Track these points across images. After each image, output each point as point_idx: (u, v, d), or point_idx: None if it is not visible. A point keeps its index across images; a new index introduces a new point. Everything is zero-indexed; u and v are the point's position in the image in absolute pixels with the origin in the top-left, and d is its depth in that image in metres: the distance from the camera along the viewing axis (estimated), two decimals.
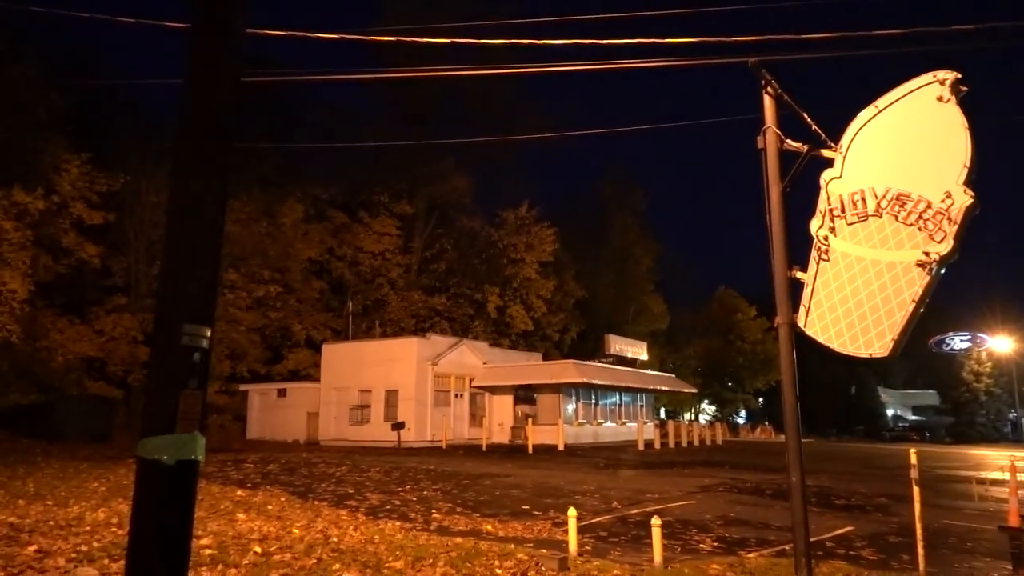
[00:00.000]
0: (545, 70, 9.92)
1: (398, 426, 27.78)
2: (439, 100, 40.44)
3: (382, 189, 40.38)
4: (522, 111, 41.87)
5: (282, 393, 34.30)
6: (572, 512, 7.91)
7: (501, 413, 32.83)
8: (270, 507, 10.72)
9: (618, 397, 36.34)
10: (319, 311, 38.67)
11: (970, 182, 5.40)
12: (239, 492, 12.50)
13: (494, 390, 32.92)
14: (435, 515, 10.69)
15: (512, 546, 7.96)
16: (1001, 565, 8.19)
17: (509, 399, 32.83)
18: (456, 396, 31.65)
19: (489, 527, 9.69)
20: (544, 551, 7.65)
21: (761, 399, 63.94)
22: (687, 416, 58.27)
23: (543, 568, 6.80)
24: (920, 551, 7.30)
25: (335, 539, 8.18)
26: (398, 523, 9.71)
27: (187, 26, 3.15)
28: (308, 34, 9.46)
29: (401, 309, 40.11)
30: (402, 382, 29.66)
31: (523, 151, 44.86)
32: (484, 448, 27.40)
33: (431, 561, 7.00)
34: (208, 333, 2.77)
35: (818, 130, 6.39)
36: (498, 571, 6.71)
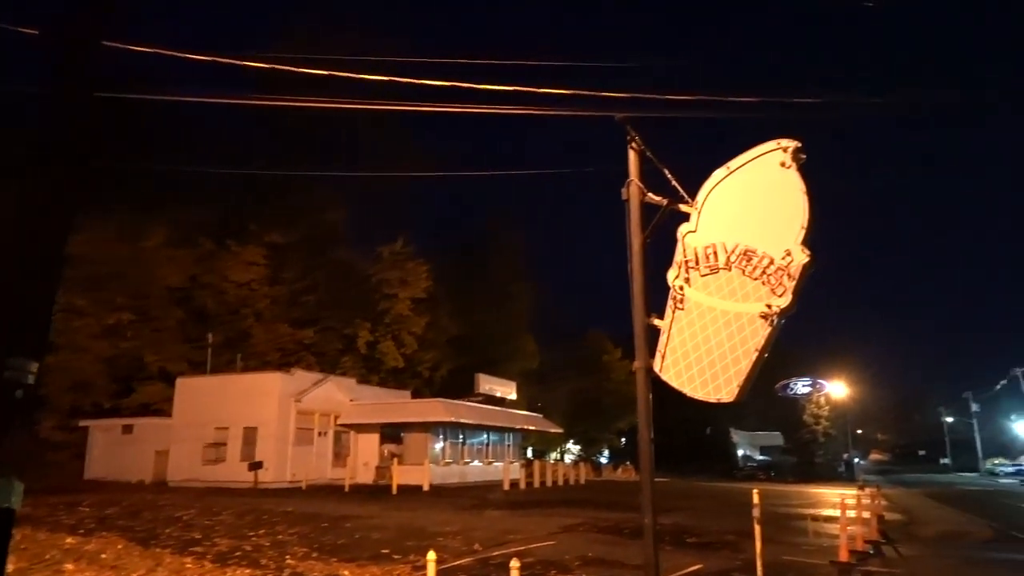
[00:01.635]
0: (424, 109, 9.97)
1: (255, 466, 26.46)
2: (316, 130, 39.70)
3: (254, 217, 38.90)
4: (404, 146, 41.84)
5: (128, 429, 31.88)
6: (432, 556, 7.76)
7: (366, 452, 32.00)
8: (104, 556, 9.87)
9: (486, 436, 36.37)
10: (177, 342, 36.41)
11: (807, 242, 5.89)
12: (69, 539, 11.43)
13: (360, 428, 32.09)
14: (289, 561, 10.21)
15: None
16: None
17: (375, 438, 32.10)
18: (320, 434, 30.58)
19: (347, 572, 9.37)
20: None
21: (624, 439, 65.88)
22: (553, 456, 59.07)
23: None
24: None
25: None
26: (248, 570, 9.19)
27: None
28: (183, 54, 9.08)
29: (267, 342, 38.48)
30: (263, 419, 28.34)
31: (403, 185, 44.71)
32: (347, 489, 26.56)
33: None
34: (35, 368, 2.55)
35: (677, 186, 6.78)
36: None
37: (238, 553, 10.78)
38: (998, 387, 70.10)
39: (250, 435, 28.43)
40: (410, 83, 8.73)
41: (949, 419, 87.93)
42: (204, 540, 12.06)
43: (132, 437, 31.50)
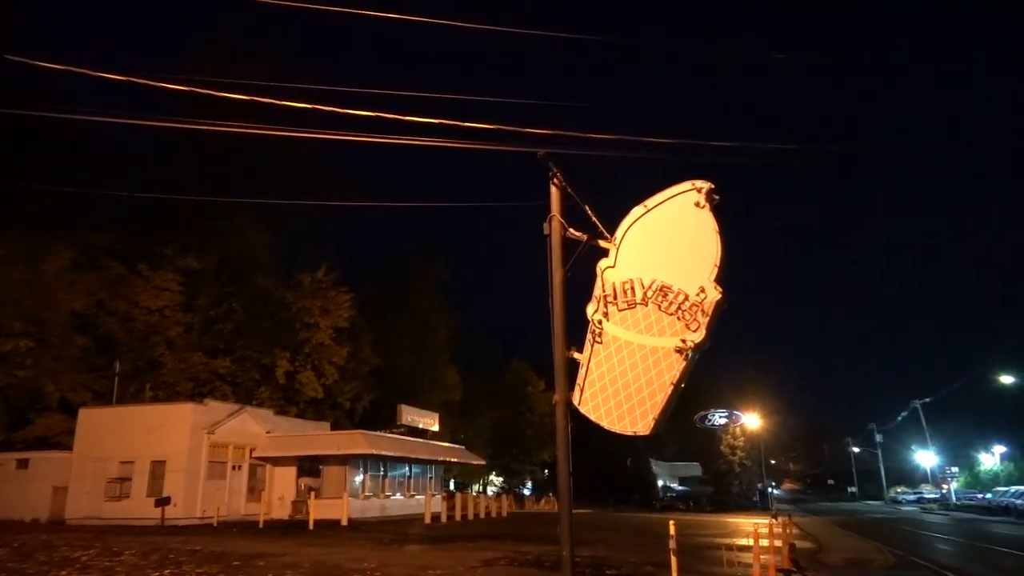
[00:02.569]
0: (348, 138, 9.91)
1: (162, 501, 25.23)
2: (237, 153, 38.70)
3: (167, 240, 37.41)
4: (326, 173, 41.30)
5: (23, 464, 29.90)
6: None
7: (283, 486, 30.99)
8: None
9: (408, 469, 35.79)
10: (80, 371, 34.43)
11: (720, 279, 6.13)
12: None
13: (277, 461, 31.08)
14: None
15: None
16: None
17: (292, 471, 31.14)
18: (234, 468, 29.44)
19: None
20: None
21: (547, 471, 65.95)
22: (476, 488, 58.57)
23: None
24: None
25: None
26: None
27: None
28: (98, 72, 8.78)
29: (178, 371, 36.86)
30: (172, 452, 27.08)
31: (324, 213, 44.07)
32: (261, 525, 25.58)
33: None
34: None
35: (597, 222, 6.95)
36: None
37: None
38: (900, 419, 73.65)
39: (158, 469, 27.11)
40: (333, 111, 8.69)
41: (856, 449, 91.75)
42: None
43: (28, 473, 29.56)
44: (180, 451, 27.05)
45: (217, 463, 28.49)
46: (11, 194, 30.14)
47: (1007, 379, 50.16)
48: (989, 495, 53.92)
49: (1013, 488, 49.31)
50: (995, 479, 64.87)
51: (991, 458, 71.12)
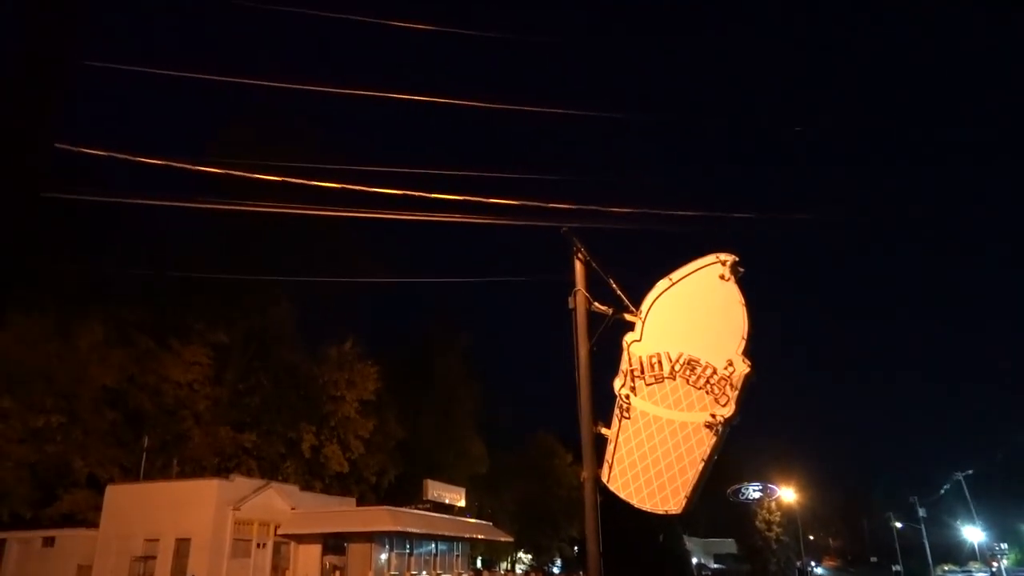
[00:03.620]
0: (375, 216, 10.10)
1: None
2: (265, 230, 39.65)
3: (197, 315, 38.02)
4: (352, 250, 42.05)
5: (49, 542, 29.75)
6: None
7: (307, 565, 30.40)
8: None
9: (434, 546, 35.01)
10: (109, 445, 34.54)
11: (748, 352, 6.06)
12: None
13: (301, 539, 30.59)
14: None
15: None
16: None
17: (317, 549, 30.59)
18: (259, 546, 29.01)
19: None
20: None
21: (576, 547, 64.11)
22: (504, 565, 56.98)
23: None
24: None
25: None
26: None
27: None
28: (136, 157, 9.14)
29: (205, 446, 36.83)
30: (197, 529, 26.82)
31: (351, 288, 44.64)
32: None
33: None
34: None
35: (622, 295, 6.97)
36: None
37: None
38: (942, 491, 70.97)
39: (183, 547, 26.81)
40: (362, 190, 8.92)
41: (899, 525, 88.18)
42: None
43: (53, 551, 29.40)
44: (205, 528, 26.78)
45: (242, 541, 28.12)
46: (47, 272, 31.03)
47: None
48: None
49: None
50: None
51: None
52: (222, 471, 33.46)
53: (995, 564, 61.64)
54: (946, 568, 76.22)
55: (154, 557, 27.10)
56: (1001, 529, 70.65)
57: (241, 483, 29.47)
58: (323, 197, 10.50)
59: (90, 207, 32.50)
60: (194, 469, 34.88)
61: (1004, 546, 66.37)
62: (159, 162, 9.44)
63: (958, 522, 77.05)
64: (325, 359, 42.42)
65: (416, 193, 9.24)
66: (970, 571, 69.45)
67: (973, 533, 70.84)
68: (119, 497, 29.24)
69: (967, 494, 64.17)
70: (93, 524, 29.46)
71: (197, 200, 11.46)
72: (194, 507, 27.20)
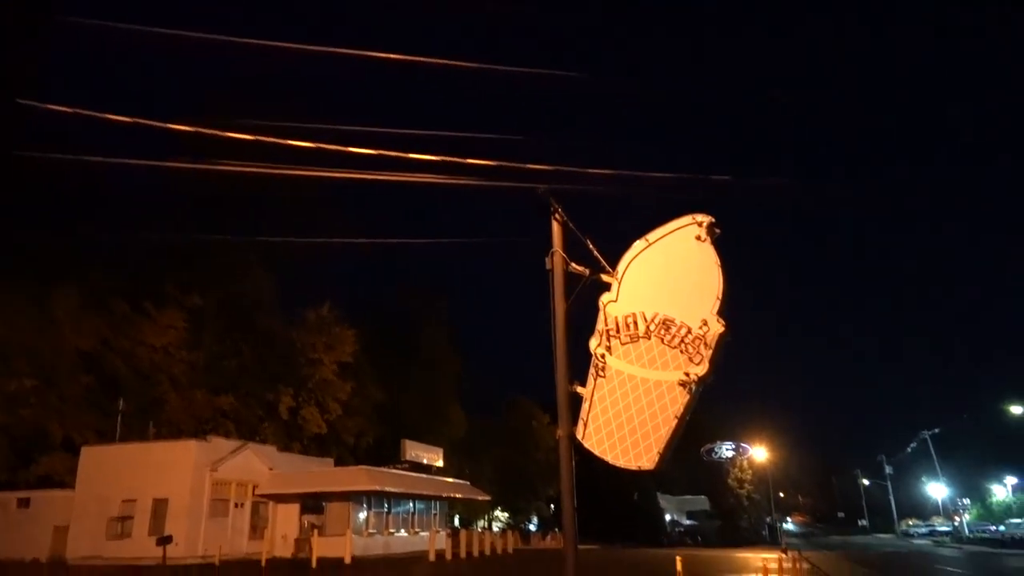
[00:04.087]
0: (351, 176, 10.01)
1: (164, 540, 24.92)
2: (240, 194, 39.07)
3: (173, 280, 37.63)
4: (329, 212, 41.66)
5: (24, 503, 29.72)
6: None
7: (286, 524, 30.66)
8: None
9: (412, 505, 35.41)
10: (85, 409, 34.36)
11: (723, 312, 6.13)
12: None
13: (280, 499, 30.80)
14: None
15: None
16: None
17: (295, 508, 30.85)
18: (236, 506, 29.18)
19: None
20: None
21: (552, 506, 65.21)
22: (481, 524, 57.85)
23: None
24: None
25: None
26: None
27: None
28: (102, 115, 8.93)
29: (182, 409, 36.74)
30: (174, 490, 26.90)
31: (327, 251, 44.37)
32: (264, 564, 25.27)
33: None
34: None
35: (599, 256, 6.98)
36: None
37: None
38: (909, 450, 72.94)
39: (160, 507, 26.90)
40: (338, 150, 8.80)
41: (866, 482, 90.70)
42: None
43: (29, 512, 29.38)
44: (182, 489, 26.87)
45: (219, 501, 28.26)
46: (22, 239, 30.47)
47: (1017, 410, 49.73)
48: (1002, 528, 53.14)
49: None
50: (1007, 511, 63.98)
51: (1003, 489, 70.28)
52: (199, 434, 33.44)
53: (957, 518, 63.76)
54: (910, 523, 78.70)
55: (131, 517, 27.18)
56: (964, 486, 72.89)
57: (218, 444, 29.52)
58: (297, 158, 10.34)
59: (63, 173, 31.83)
60: (171, 432, 34.82)
61: (967, 502, 68.61)
62: (127, 120, 9.24)
63: (923, 479, 79.47)
64: (303, 323, 42.30)
65: (391, 153, 9.14)
66: (933, 525, 71.78)
67: (937, 490, 73.05)
68: (95, 459, 29.18)
69: (933, 453, 66.02)
70: (69, 487, 29.42)
71: (168, 160, 11.26)
72: (171, 468, 27.25)
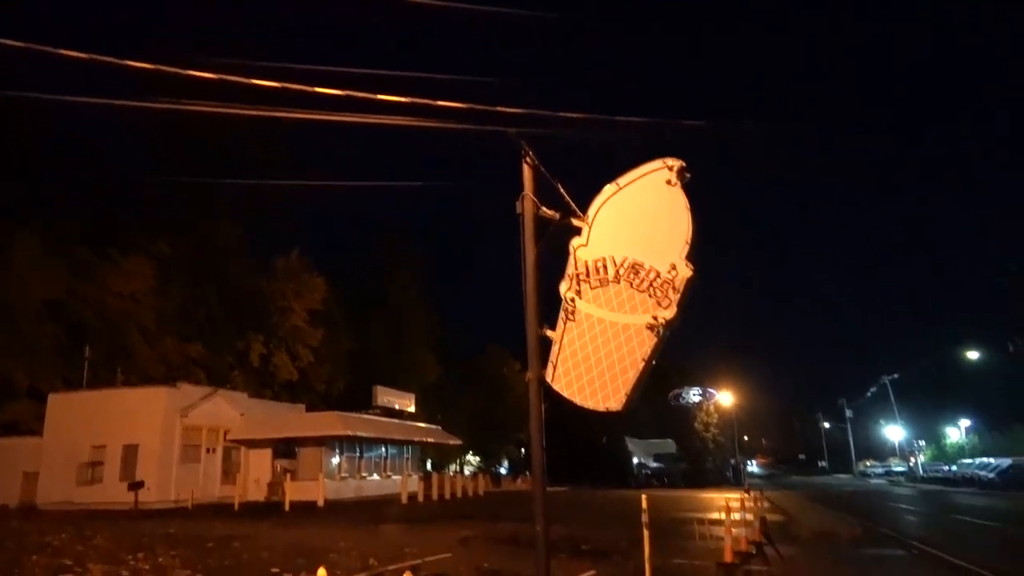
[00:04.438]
0: (317, 118, 9.80)
1: (136, 485, 25.05)
2: (205, 137, 38.10)
3: (139, 226, 36.88)
4: (296, 157, 40.99)
5: None
6: (322, 572, 7.58)
7: (258, 469, 30.89)
8: None
9: (384, 450, 35.83)
10: (51, 357, 33.92)
11: (692, 257, 6.16)
12: None
13: (251, 444, 30.95)
14: None
15: None
16: None
17: (267, 454, 31.05)
18: (208, 451, 29.29)
19: None
20: None
21: (523, 450, 66.41)
22: (453, 468, 58.83)
23: None
24: None
25: None
26: None
27: None
28: (56, 50, 8.57)
29: (151, 357, 36.49)
30: (144, 436, 26.90)
31: (295, 197, 43.57)
32: (237, 507, 25.52)
33: None
34: None
35: (570, 200, 6.95)
36: None
37: None
38: (869, 394, 75.12)
39: (130, 453, 26.92)
40: (303, 91, 8.58)
41: (826, 425, 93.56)
42: (75, 567, 11.30)
43: None
44: (153, 435, 26.86)
45: (191, 446, 28.34)
46: None
47: (973, 355, 51.34)
48: (954, 467, 55.35)
49: (977, 460, 50.68)
50: (961, 452, 66.56)
51: (957, 432, 72.93)
52: (169, 381, 33.26)
53: (912, 459, 66.24)
54: (868, 464, 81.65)
55: (101, 463, 27.18)
56: (921, 429, 75.54)
57: (188, 391, 29.44)
58: (263, 98, 10.06)
59: (17, 113, 30.71)
60: (140, 380, 34.61)
61: (922, 443, 71.16)
62: (83, 56, 8.88)
63: (882, 422, 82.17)
64: (272, 270, 41.94)
65: (359, 94, 8.95)
66: (889, 466, 74.58)
67: (895, 432, 75.59)
68: (62, 405, 28.95)
69: (891, 397, 68.08)
70: (37, 434, 29.23)
71: (129, 99, 10.88)
72: (141, 414, 27.17)
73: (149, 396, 28.01)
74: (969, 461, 52.66)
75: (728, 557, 11.78)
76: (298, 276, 41.87)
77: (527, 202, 6.87)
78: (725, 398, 60.55)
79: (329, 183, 40.87)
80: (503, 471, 64.73)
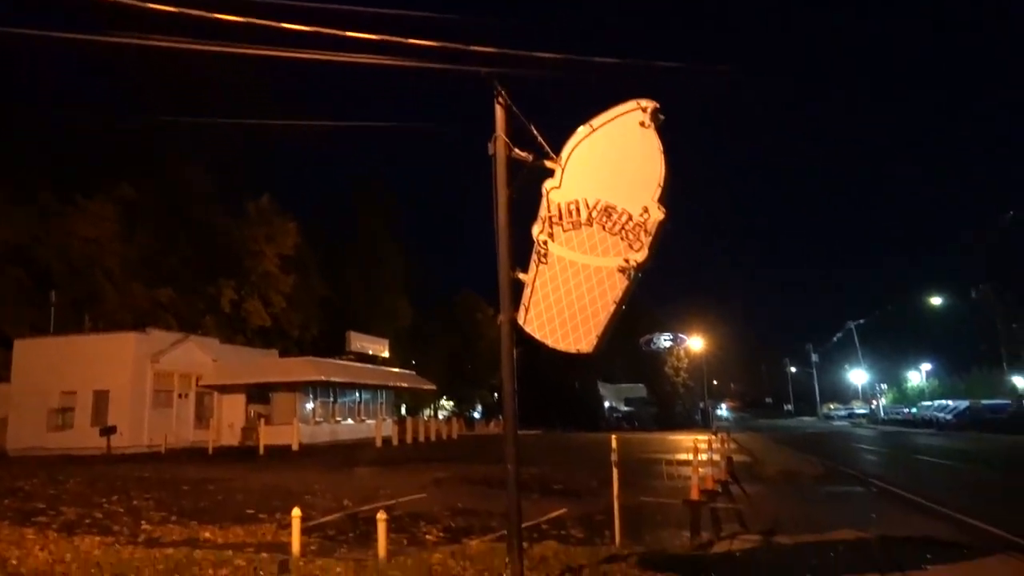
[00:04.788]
0: (284, 55, 9.50)
1: (108, 431, 24.99)
2: (170, 76, 36.86)
3: (104, 169, 35.91)
4: (262, 97, 39.91)
5: None
6: (296, 512, 7.69)
7: (232, 414, 30.94)
8: None
9: (358, 395, 36.03)
10: (16, 304, 33.29)
11: (664, 199, 6.15)
12: None
13: (224, 389, 30.93)
14: (145, 526, 9.78)
15: (230, 552, 7.54)
16: (682, 533, 9.42)
17: (241, 399, 31.08)
18: (180, 396, 29.24)
19: (208, 535, 9.09)
20: (265, 555, 7.35)
21: (496, 394, 67.19)
22: (427, 413, 59.45)
23: (262, 573, 6.53)
24: (617, 527, 8.18)
25: (15, 562, 7.14)
26: (98, 538, 8.72)
27: None
28: None
29: (120, 303, 35.97)
30: (115, 382, 26.74)
31: (266, 140, 42.65)
32: (211, 452, 25.63)
33: None
34: None
35: (543, 142, 6.86)
36: None
37: (87, 521, 10.21)
38: (835, 339, 76.83)
39: (101, 399, 26.79)
40: (270, 26, 8.29)
41: (793, 369, 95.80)
42: (48, 510, 11.31)
43: None
44: (123, 381, 26.70)
45: (163, 392, 28.25)
46: None
47: (936, 300, 52.54)
48: (914, 410, 57.18)
49: (936, 402, 52.34)
50: (921, 395, 68.67)
51: (918, 375, 75.11)
52: (139, 327, 32.88)
53: (874, 402, 68.28)
54: (831, 407, 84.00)
55: (72, 409, 27.05)
56: (883, 373, 77.68)
57: (159, 336, 29.21)
58: (226, 33, 9.70)
59: None
60: (109, 326, 34.16)
61: (884, 387, 73.28)
62: None
63: (846, 367, 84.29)
64: (242, 215, 41.24)
65: (327, 30, 8.69)
66: (851, 408, 76.82)
67: (858, 376, 77.60)
68: (30, 352, 28.60)
69: (856, 342, 69.72)
70: (4, 380, 28.88)
71: (91, 34, 10.46)
72: (111, 360, 26.95)
73: (118, 342, 27.74)
74: (928, 403, 54.36)
75: (695, 495, 12.13)
76: (270, 221, 41.26)
77: (499, 143, 6.77)
78: (695, 343, 61.58)
79: (298, 122, 40.03)
80: (477, 416, 65.59)
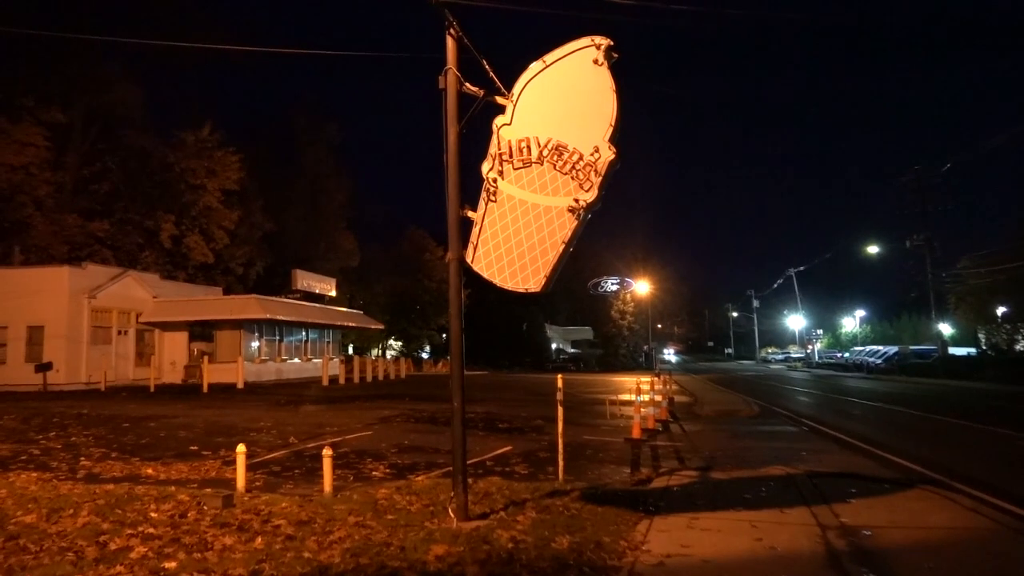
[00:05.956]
0: None
1: (43, 367, 24.32)
2: None
3: (26, 90, 33.89)
4: (198, 18, 38.05)
5: None
6: (241, 448, 7.65)
7: (174, 351, 30.39)
8: None
9: (304, 333, 35.72)
10: None
11: (615, 140, 6.11)
12: None
13: (166, 326, 30.29)
14: (84, 463, 9.62)
15: (172, 488, 7.48)
16: (623, 469, 9.70)
17: (183, 336, 30.51)
18: (120, 333, 28.52)
19: (150, 471, 9.00)
20: (209, 490, 7.32)
21: (444, 335, 67.40)
22: (375, 352, 59.38)
23: (205, 508, 6.50)
24: (560, 463, 8.37)
25: None
26: (35, 474, 8.56)
27: None
28: None
29: (51, 234, 34.50)
30: (49, 317, 25.88)
31: (202, 66, 40.73)
32: (152, 389, 25.22)
33: (72, 512, 6.30)
34: None
35: (494, 77, 6.72)
36: (153, 515, 6.26)
37: (23, 457, 9.99)
38: (775, 285, 78.88)
39: (36, 335, 25.95)
40: None
41: (734, 314, 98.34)
42: None
43: None
44: (58, 316, 25.88)
45: (101, 328, 27.51)
46: None
47: (872, 249, 54.22)
48: (847, 354, 59.57)
49: (868, 348, 54.61)
50: (854, 340, 71.49)
51: (852, 321, 78.01)
52: (74, 260, 31.72)
53: (809, 347, 70.83)
54: (769, 351, 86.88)
55: (4, 344, 26.16)
56: (820, 319, 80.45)
57: (95, 271, 28.27)
58: None
59: None
60: (41, 258, 32.90)
61: (819, 332, 75.93)
62: None
63: (785, 313, 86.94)
64: (182, 145, 39.63)
65: None
66: (788, 353, 79.64)
67: (796, 321, 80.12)
68: None
69: (796, 288, 71.75)
70: None
71: None
72: (44, 295, 26.04)
73: (51, 276, 26.76)
74: (860, 348, 56.66)
75: (636, 433, 12.48)
76: (211, 153, 39.76)
77: (450, 76, 6.60)
78: (642, 287, 62.57)
79: (237, 46, 38.30)
80: (425, 356, 65.82)
